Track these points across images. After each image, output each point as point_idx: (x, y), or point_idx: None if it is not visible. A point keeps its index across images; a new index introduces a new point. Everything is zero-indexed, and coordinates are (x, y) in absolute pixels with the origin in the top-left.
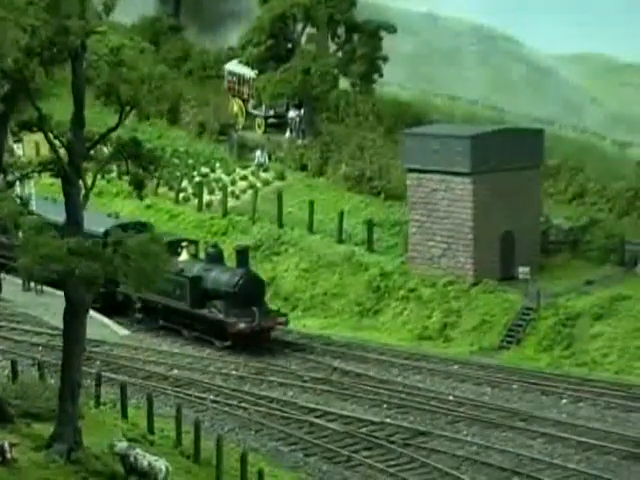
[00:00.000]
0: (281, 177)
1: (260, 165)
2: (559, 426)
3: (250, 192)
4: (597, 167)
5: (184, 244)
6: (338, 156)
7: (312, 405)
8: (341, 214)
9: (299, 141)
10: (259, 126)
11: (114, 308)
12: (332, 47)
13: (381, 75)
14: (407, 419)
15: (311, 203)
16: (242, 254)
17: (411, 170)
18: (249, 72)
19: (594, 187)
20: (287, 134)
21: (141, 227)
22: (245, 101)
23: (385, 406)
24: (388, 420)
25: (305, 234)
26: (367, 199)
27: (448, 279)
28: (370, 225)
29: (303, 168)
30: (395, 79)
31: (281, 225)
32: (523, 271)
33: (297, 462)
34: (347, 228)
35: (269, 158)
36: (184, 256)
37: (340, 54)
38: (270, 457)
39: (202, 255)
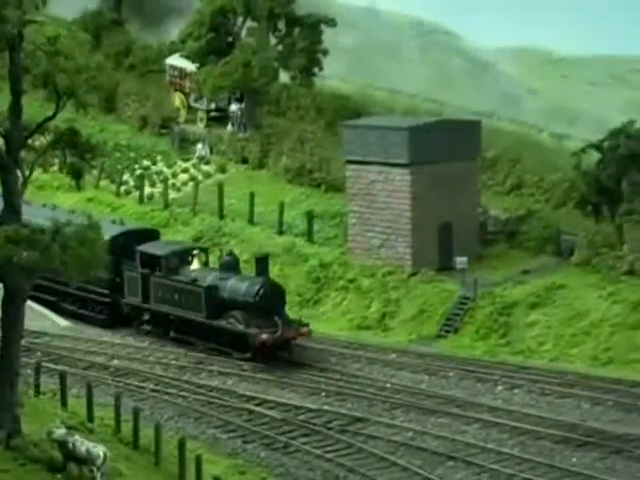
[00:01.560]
0: (222, 170)
1: (201, 158)
2: (494, 412)
3: (191, 184)
4: (534, 159)
5: (195, 252)
6: (279, 149)
7: (251, 393)
8: (281, 206)
9: (240, 134)
10: (201, 119)
11: (119, 320)
12: (272, 40)
13: (321, 68)
14: (345, 406)
15: (252, 195)
16: (262, 262)
17: (350, 162)
18: (190, 66)
19: (531, 179)
20: (228, 127)
21: (149, 234)
22: (186, 95)
23: (323, 394)
24: (326, 407)
25: (246, 226)
26: (307, 191)
27: (387, 269)
28: (310, 217)
29: (244, 161)
30: (336, 72)
31: (222, 217)
32: (461, 261)
33: (235, 449)
34: (287, 220)
35: (210, 151)
36: (195, 265)
37: (280, 47)
38: (209, 444)
39: (211, 263)
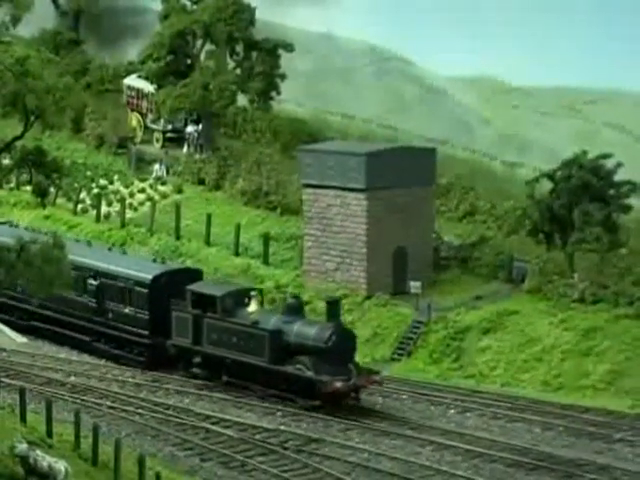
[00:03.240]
0: (179, 191)
1: (158, 178)
2: (447, 435)
3: (148, 204)
4: (487, 186)
5: (253, 293)
6: (235, 171)
7: (208, 412)
8: (238, 228)
9: (197, 155)
10: (157, 140)
11: (160, 362)
12: (231, 64)
13: (279, 92)
14: (300, 426)
15: (208, 216)
16: (333, 306)
17: (307, 186)
18: (148, 87)
19: (484, 206)
20: (185, 149)
21: (193, 273)
22: (144, 115)
23: (279, 414)
24: (282, 427)
25: (202, 246)
26: (263, 213)
27: (342, 292)
28: (266, 239)
29: (201, 182)
30: (292, 97)
31: (179, 237)
32: (415, 285)
33: (193, 467)
34: (243, 241)
35: (167, 172)
36: (253, 307)
37: (239, 71)
38: (167, 461)
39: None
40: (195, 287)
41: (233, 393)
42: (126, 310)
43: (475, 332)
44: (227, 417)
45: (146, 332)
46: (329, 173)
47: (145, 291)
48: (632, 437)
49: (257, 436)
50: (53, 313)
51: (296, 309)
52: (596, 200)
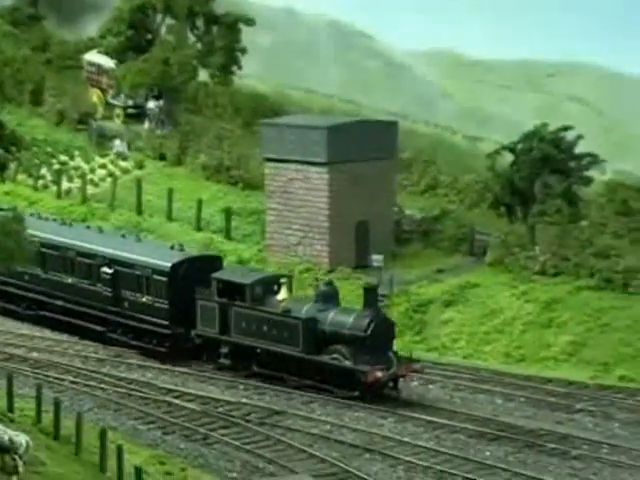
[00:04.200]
0: (140, 166)
1: (119, 154)
2: (409, 406)
3: (109, 180)
4: (449, 160)
5: (282, 280)
6: (197, 146)
7: (170, 386)
8: (199, 203)
9: (158, 131)
10: (118, 116)
11: (188, 352)
12: (192, 38)
13: (240, 67)
14: (263, 399)
15: (170, 191)
16: (371, 293)
17: (269, 160)
18: (108, 62)
19: (446, 180)
20: (146, 124)
21: (214, 260)
22: (104, 91)
23: (242, 387)
24: (244, 400)
25: (164, 222)
26: (225, 188)
27: (305, 266)
28: (228, 213)
29: (162, 157)
30: (253, 72)
31: (140, 213)
32: (377, 259)
33: (155, 440)
34: (205, 216)
35: (128, 147)
36: (283, 294)
37: (199, 45)
38: (129, 435)
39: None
40: (221, 275)
41: (195, 367)
42: (144, 299)
43: (437, 305)
44: (189, 391)
45: (166, 322)
46: (291, 147)
47: (164, 279)
48: (592, 407)
49: (219, 409)
50: (64, 302)
51: (330, 296)
52: (557, 172)
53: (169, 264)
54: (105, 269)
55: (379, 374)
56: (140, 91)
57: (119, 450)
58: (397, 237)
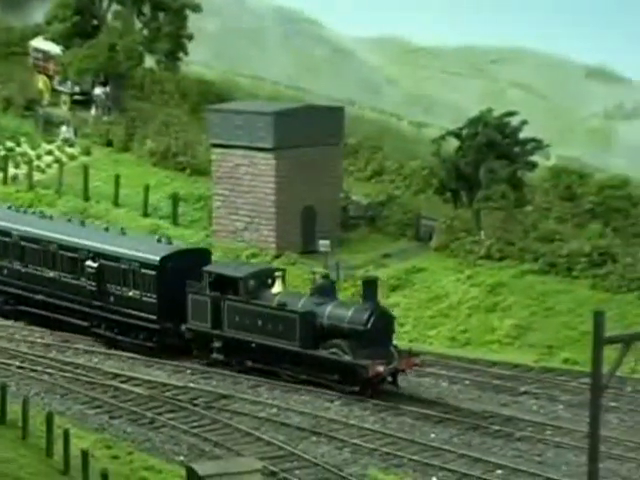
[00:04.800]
0: (87, 152)
1: (66, 140)
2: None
3: (56, 166)
4: (395, 146)
5: (277, 274)
6: (144, 132)
7: (117, 371)
8: (146, 189)
9: (105, 117)
10: (64, 102)
11: (173, 347)
12: (138, 24)
13: (186, 53)
14: (210, 383)
15: (117, 178)
16: (371, 286)
17: (216, 145)
18: (54, 48)
19: (392, 165)
20: (93, 110)
21: (202, 253)
22: (51, 77)
23: (189, 372)
24: (191, 384)
25: (111, 208)
26: (172, 174)
27: (251, 251)
28: (175, 199)
29: (109, 144)
30: (200, 58)
31: (87, 199)
32: (323, 244)
33: (102, 424)
34: (152, 202)
35: (75, 134)
36: (278, 287)
37: (146, 32)
38: (75, 420)
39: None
40: (213, 268)
41: (144, 352)
42: (130, 293)
43: (384, 289)
44: (136, 375)
45: (154, 316)
46: (237, 133)
47: (153, 273)
48: (537, 390)
49: (167, 393)
50: (45, 297)
51: (327, 290)
52: (501, 158)
53: (158, 257)
54: (89, 263)
55: (380, 369)
56: (86, 77)
57: (66, 434)
58: (343, 222)
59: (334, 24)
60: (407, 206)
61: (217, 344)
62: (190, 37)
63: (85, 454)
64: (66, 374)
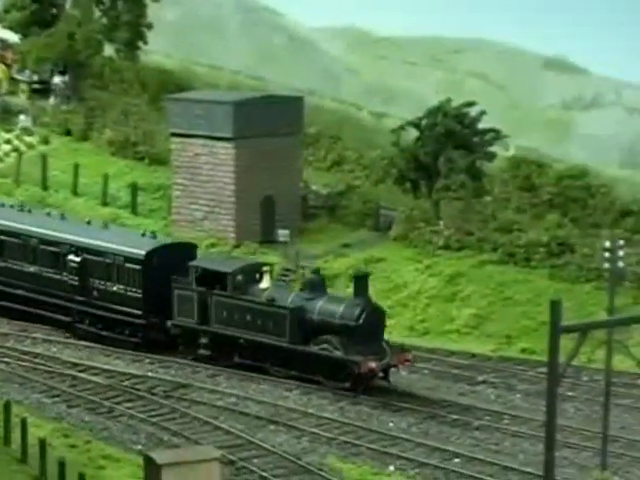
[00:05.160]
0: (45, 141)
1: (24, 129)
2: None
3: (14, 155)
4: (355, 136)
5: (265, 269)
6: (102, 121)
7: (75, 360)
8: (105, 178)
9: (64, 106)
10: (23, 91)
11: (159, 342)
12: (97, 13)
13: (145, 42)
14: (169, 373)
15: (76, 167)
16: (362, 281)
17: (175, 135)
18: (12, 37)
19: (351, 155)
20: (51, 99)
21: (188, 248)
22: (9, 66)
23: (147, 361)
24: (150, 374)
25: (70, 197)
26: (131, 164)
27: (211, 241)
28: (134, 189)
29: (68, 133)
30: (159, 47)
31: (46, 188)
32: (283, 234)
33: (60, 413)
34: (111, 192)
35: (34, 123)
36: (266, 283)
37: (105, 20)
38: (33, 408)
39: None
40: (200, 263)
41: (102, 342)
42: (114, 288)
43: (343, 279)
44: (95, 364)
45: (139, 311)
46: (197, 122)
47: (138, 268)
48: (494, 379)
49: (125, 382)
50: (25, 292)
51: (317, 285)
52: (460, 148)
53: (143, 252)
54: (72, 257)
55: (373, 365)
56: (45, 66)
57: (23, 423)
58: (303, 212)
59: (293, 13)
60: (366, 196)
61: (204, 340)
62: (149, 26)
63: (43, 443)
64: (24, 363)
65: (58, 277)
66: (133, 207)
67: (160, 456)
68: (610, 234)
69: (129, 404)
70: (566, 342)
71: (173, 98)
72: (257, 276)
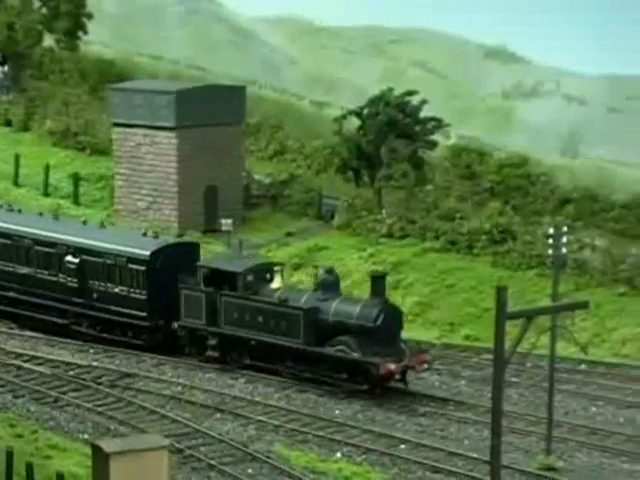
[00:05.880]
0: None
1: None
2: (258, 368)
3: None
4: (296, 126)
5: (276, 268)
6: (43, 112)
7: (20, 350)
8: (47, 168)
9: (3, 97)
10: None
11: (164, 344)
12: (36, 3)
13: (86, 32)
14: (114, 362)
15: (16, 157)
16: (379, 281)
17: (117, 125)
18: None
19: (293, 145)
20: None
21: (191, 247)
22: None
23: (92, 351)
24: (95, 363)
25: (11, 187)
26: (73, 154)
27: (154, 230)
28: (76, 179)
29: (8, 123)
30: (100, 38)
31: None
32: (226, 223)
33: (5, 403)
34: (53, 182)
35: None
36: (277, 283)
37: (44, 10)
38: None
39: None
40: (209, 262)
41: (46, 332)
42: (116, 290)
43: (287, 268)
44: (40, 355)
45: (143, 313)
46: (139, 112)
47: (142, 268)
48: (439, 366)
49: (70, 372)
50: (17, 294)
51: (331, 285)
52: (402, 137)
53: (148, 252)
54: (69, 258)
55: (392, 366)
56: None
57: None
58: (246, 201)
59: (233, 3)
60: (309, 185)
61: (212, 341)
62: (89, 16)
63: None
64: None
65: (54, 279)
66: (75, 197)
67: (108, 444)
68: (552, 221)
69: (75, 394)
70: (509, 329)
71: (114, 88)
72: (268, 276)
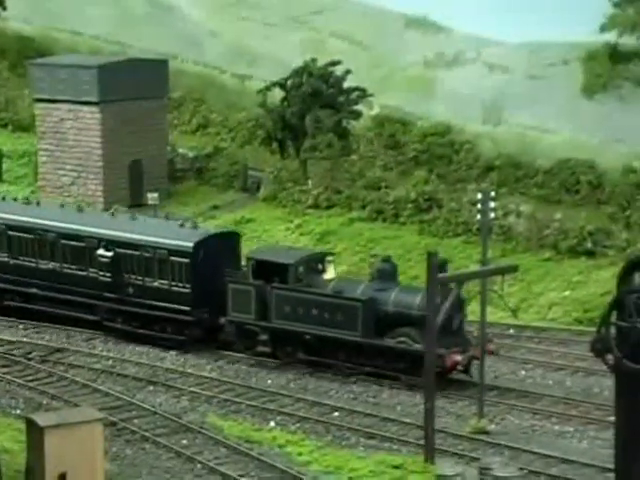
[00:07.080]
0: None
1: None
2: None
3: None
4: (219, 99)
5: (329, 258)
6: None
7: None
8: None
9: None
10: None
11: (210, 340)
12: None
13: (4, 8)
14: (43, 338)
15: None
16: (440, 268)
17: (39, 100)
18: None
19: (217, 118)
20: None
21: (232, 237)
22: None
23: (21, 326)
24: (25, 339)
25: None
26: None
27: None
28: None
29: None
30: (18, 14)
31: None
32: (152, 197)
33: None
34: None
35: None
36: (331, 273)
37: None
38: None
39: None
40: (258, 254)
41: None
42: (156, 284)
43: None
44: None
45: (187, 307)
46: (61, 87)
47: (185, 261)
48: None
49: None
50: (40, 291)
51: (388, 274)
52: (326, 107)
53: (191, 244)
54: (102, 252)
55: (458, 357)
56: None
57: None
58: (171, 175)
59: None
60: (233, 158)
61: (263, 336)
62: None
63: None
64: None
65: (84, 274)
66: None
67: (42, 419)
68: (477, 188)
69: (5, 369)
70: None
71: (36, 63)
72: (320, 266)
